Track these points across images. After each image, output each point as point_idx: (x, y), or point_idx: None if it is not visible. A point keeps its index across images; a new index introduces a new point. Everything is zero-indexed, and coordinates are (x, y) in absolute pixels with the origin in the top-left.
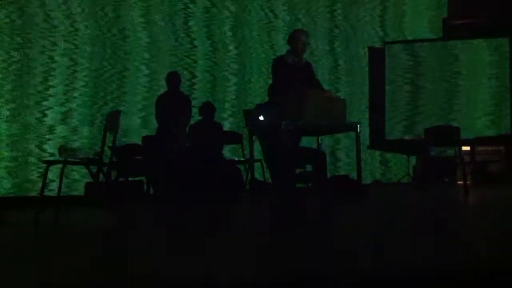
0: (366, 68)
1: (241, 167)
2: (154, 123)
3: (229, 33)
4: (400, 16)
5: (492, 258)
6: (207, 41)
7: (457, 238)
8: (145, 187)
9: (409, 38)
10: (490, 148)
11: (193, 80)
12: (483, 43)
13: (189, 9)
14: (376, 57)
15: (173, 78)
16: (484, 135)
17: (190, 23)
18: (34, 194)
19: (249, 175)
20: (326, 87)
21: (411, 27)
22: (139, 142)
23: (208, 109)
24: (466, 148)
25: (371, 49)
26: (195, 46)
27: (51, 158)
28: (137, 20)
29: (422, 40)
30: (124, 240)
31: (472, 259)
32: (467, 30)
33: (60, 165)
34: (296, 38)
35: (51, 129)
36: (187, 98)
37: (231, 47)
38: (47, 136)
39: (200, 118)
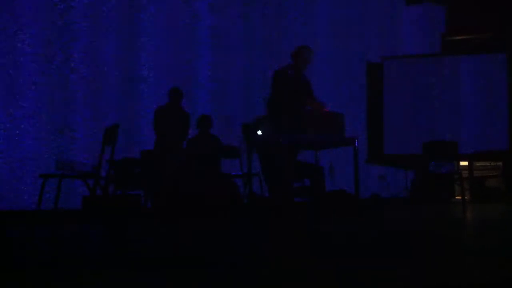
0: (364, 83)
1: (239, 181)
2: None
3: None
4: (398, 32)
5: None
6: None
7: (455, 257)
8: (143, 201)
9: (407, 53)
10: (488, 164)
11: (192, 93)
12: (481, 58)
13: (194, 22)
14: (374, 72)
15: (175, 94)
16: (482, 150)
17: (194, 35)
18: (31, 208)
19: (247, 189)
20: (324, 100)
21: (409, 42)
22: (137, 156)
23: (205, 122)
24: (464, 163)
25: (369, 64)
26: (197, 58)
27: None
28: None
29: (419, 56)
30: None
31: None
32: (464, 46)
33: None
34: (301, 54)
35: (48, 142)
36: (187, 114)
37: (232, 59)
38: (44, 149)
39: (197, 131)
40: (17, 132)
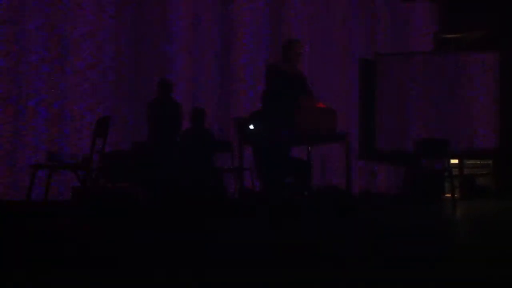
0: (357, 79)
1: (230, 175)
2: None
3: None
4: (392, 28)
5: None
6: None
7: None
8: (133, 193)
9: (400, 50)
10: (478, 162)
11: (185, 86)
12: (473, 57)
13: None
14: (367, 68)
15: (164, 85)
16: (473, 148)
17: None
18: (21, 199)
19: (238, 183)
20: (317, 95)
21: (403, 40)
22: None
23: (198, 115)
24: (454, 161)
25: (362, 60)
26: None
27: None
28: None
29: (413, 53)
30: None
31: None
32: (457, 44)
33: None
34: (291, 47)
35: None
36: (179, 106)
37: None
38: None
39: (190, 124)
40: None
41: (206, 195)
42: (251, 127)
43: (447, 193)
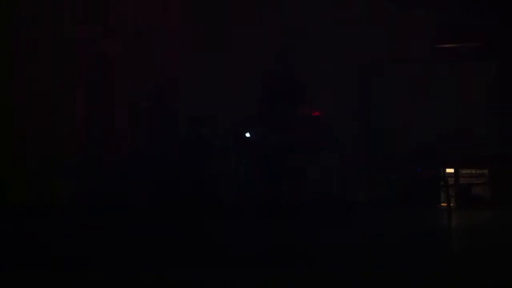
0: (354, 85)
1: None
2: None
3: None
4: (389, 36)
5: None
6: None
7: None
8: (129, 199)
9: (398, 58)
10: (474, 171)
11: (181, 92)
12: (470, 66)
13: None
14: (364, 74)
15: (160, 91)
16: (469, 157)
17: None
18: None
19: (235, 189)
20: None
21: (400, 47)
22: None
23: (195, 122)
24: (450, 170)
25: (359, 67)
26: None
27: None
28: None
29: (410, 59)
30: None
31: None
32: (454, 53)
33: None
34: (287, 55)
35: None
36: (175, 112)
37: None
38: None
39: (187, 130)
40: None
41: (204, 198)
42: (248, 134)
43: (443, 202)
